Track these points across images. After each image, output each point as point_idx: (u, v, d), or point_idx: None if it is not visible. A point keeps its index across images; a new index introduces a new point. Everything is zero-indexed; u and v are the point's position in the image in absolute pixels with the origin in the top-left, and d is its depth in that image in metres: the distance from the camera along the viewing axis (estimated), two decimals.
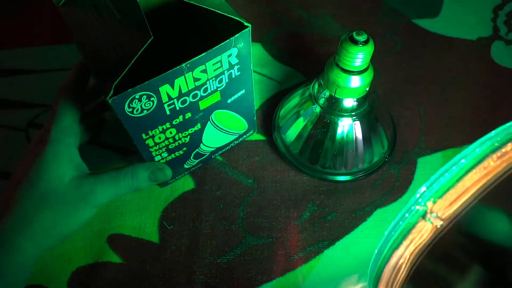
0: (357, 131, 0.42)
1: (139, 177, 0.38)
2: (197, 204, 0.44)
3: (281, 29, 0.59)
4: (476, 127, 0.49)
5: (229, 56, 0.35)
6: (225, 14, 0.32)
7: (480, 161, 0.22)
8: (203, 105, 0.38)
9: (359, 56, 0.36)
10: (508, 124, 0.23)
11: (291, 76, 0.54)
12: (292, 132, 0.45)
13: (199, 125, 0.40)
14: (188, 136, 0.40)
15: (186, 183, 0.46)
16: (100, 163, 0.47)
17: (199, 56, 0.33)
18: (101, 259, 0.42)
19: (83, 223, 0.37)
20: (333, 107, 0.41)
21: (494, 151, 0.23)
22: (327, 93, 0.40)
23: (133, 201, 0.45)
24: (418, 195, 0.23)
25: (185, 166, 0.44)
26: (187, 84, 0.34)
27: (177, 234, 0.43)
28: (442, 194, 0.23)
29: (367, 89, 0.40)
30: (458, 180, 0.22)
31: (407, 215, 0.23)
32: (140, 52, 0.29)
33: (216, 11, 0.32)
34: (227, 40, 0.33)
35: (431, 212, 0.23)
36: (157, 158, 0.40)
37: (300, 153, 0.45)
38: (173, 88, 0.33)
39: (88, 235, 0.43)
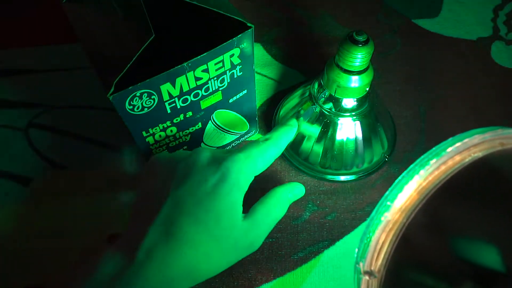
0: (357, 131, 0.42)
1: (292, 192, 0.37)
2: None
3: (281, 29, 0.59)
4: (476, 127, 0.49)
5: (232, 56, 0.35)
6: (228, 14, 0.32)
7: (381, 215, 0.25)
8: (204, 104, 0.38)
9: (359, 56, 0.36)
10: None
11: (291, 76, 0.54)
12: None
13: (200, 124, 0.40)
14: (189, 135, 0.40)
15: None
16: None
17: (201, 55, 0.33)
18: None
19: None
20: (333, 107, 0.41)
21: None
22: (327, 93, 0.40)
23: None
24: (355, 255, 0.26)
25: None
26: (188, 83, 0.34)
27: None
28: (364, 255, 0.26)
29: (367, 89, 0.40)
30: (371, 238, 0.25)
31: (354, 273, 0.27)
32: (141, 50, 0.29)
33: (219, 11, 0.32)
34: (230, 40, 0.33)
35: (366, 272, 0.26)
36: None
37: (300, 153, 0.45)
38: (174, 86, 0.33)
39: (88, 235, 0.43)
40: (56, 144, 0.48)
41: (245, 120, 0.44)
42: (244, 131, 0.46)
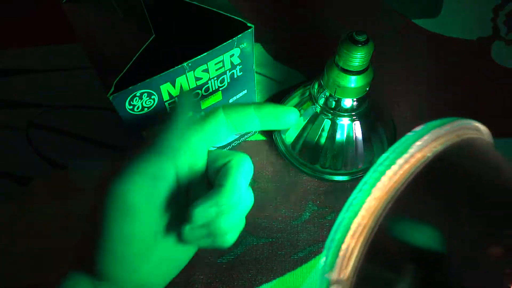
0: (357, 131, 0.42)
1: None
2: None
3: (281, 29, 0.59)
4: None
5: (232, 56, 0.35)
6: (228, 14, 0.32)
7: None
8: (204, 104, 0.38)
9: (359, 56, 0.36)
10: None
11: (291, 76, 0.54)
12: (292, 132, 0.45)
13: None
14: None
15: None
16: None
17: (201, 55, 0.33)
18: None
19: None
20: (333, 107, 0.41)
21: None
22: (327, 93, 0.40)
23: None
24: (322, 265, 0.25)
25: None
26: (188, 83, 0.34)
27: None
28: (333, 264, 0.24)
29: (367, 89, 0.40)
30: (340, 246, 0.24)
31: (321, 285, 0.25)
32: (141, 50, 0.29)
33: (219, 11, 0.32)
34: (230, 40, 0.33)
35: (335, 282, 0.25)
36: None
37: (300, 153, 0.45)
38: (174, 86, 0.34)
39: None
40: (56, 144, 0.48)
41: None
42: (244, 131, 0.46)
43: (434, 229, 0.24)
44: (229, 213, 0.26)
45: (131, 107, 0.33)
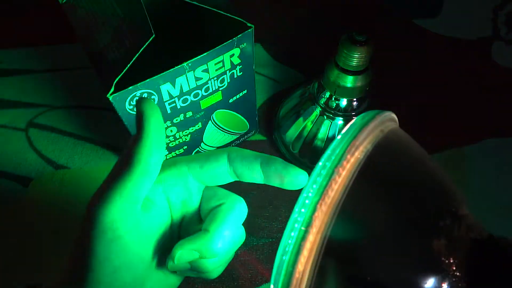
0: None
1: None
2: None
3: (281, 29, 0.59)
4: (476, 127, 0.49)
5: (232, 56, 0.35)
6: (228, 14, 0.32)
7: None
8: (204, 104, 0.38)
9: (358, 56, 0.36)
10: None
11: (291, 76, 0.54)
12: (292, 132, 0.45)
13: (200, 124, 0.40)
14: (189, 135, 0.40)
15: None
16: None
17: (201, 55, 0.33)
18: None
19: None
20: (333, 107, 0.41)
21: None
22: (327, 93, 0.40)
23: None
24: None
25: None
26: (188, 83, 0.34)
27: None
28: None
29: (367, 89, 0.40)
30: (292, 271, 0.23)
31: None
32: (141, 50, 0.29)
33: (219, 11, 0.32)
34: (230, 40, 0.33)
35: None
36: None
37: (300, 153, 0.45)
38: (174, 86, 0.33)
39: None
40: (56, 144, 0.49)
41: (245, 120, 0.44)
42: (244, 131, 0.46)
43: (370, 228, 0.24)
44: (212, 257, 0.26)
45: (131, 107, 0.33)
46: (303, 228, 0.23)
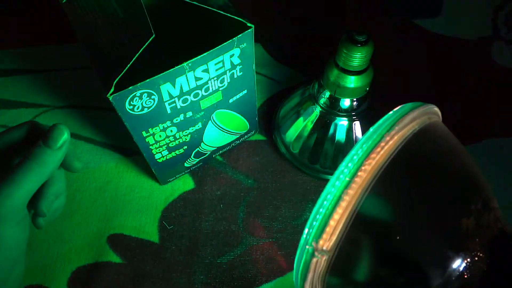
0: (357, 131, 0.42)
1: (40, 156, 0.30)
2: (197, 204, 0.44)
3: (281, 29, 0.59)
4: (476, 127, 0.49)
5: (232, 56, 0.35)
6: (228, 14, 0.32)
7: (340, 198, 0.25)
8: (204, 104, 0.38)
9: (359, 56, 0.36)
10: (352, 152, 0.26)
11: (291, 76, 0.54)
12: (292, 132, 0.45)
13: (200, 124, 0.40)
14: (189, 135, 0.40)
15: (186, 183, 0.46)
16: (101, 162, 0.47)
17: (201, 55, 0.33)
18: (101, 259, 0.42)
19: (16, 240, 0.30)
20: (333, 107, 0.41)
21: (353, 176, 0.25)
22: (327, 93, 0.40)
23: (133, 201, 0.45)
24: (305, 236, 0.26)
25: (186, 164, 0.44)
26: (188, 83, 0.34)
27: (177, 234, 0.43)
28: (320, 234, 0.25)
29: (367, 89, 0.40)
30: (329, 217, 0.25)
31: (302, 254, 0.27)
32: (141, 50, 0.29)
33: (219, 11, 0.32)
34: (230, 41, 0.33)
35: (317, 250, 0.26)
36: (158, 156, 0.40)
37: (300, 153, 0.45)
38: (174, 86, 0.33)
39: (88, 235, 0.43)
40: None
41: (245, 120, 0.44)
42: (244, 131, 0.46)
43: (404, 202, 0.26)
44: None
45: (131, 107, 0.33)
46: (347, 179, 0.25)
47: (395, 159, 0.25)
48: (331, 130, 0.42)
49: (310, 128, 0.43)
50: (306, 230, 0.26)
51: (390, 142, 0.26)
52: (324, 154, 0.43)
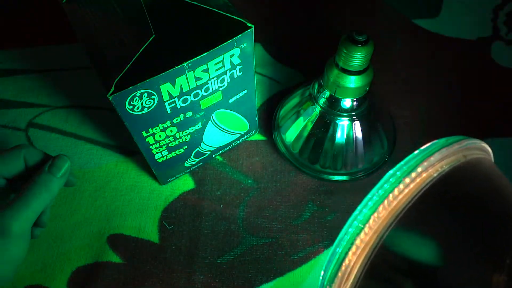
0: (357, 131, 0.42)
1: (46, 182, 0.34)
2: (197, 204, 0.44)
3: (281, 29, 0.59)
4: (476, 127, 0.49)
5: (232, 56, 0.35)
6: (228, 14, 0.32)
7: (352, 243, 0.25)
8: (204, 104, 0.38)
9: (359, 56, 0.36)
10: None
11: (291, 76, 0.54)
12: (292, 132, 0.45)
13: (200, 124, 0.40)
14: (189, 135, 0.40)
15: (186, 183, 0.46)
16: (101, 162, 0.47)
17: (201, 55, 0.33)
18: (101, 259, 0.42)
19: (19, 256, 0.33)
20: (333, 107, 0.41)
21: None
22: (327, 93, 0.40)
23: (133, 201, 0.45)
24: (321, 277, 0.26)
25: (186, 164, 0.44)
26: (188, 83, 0.34)
27: (177, 234, 0.43)
28: (333, 278, 0.26)
29: (367, 89, 0.40)
30: (341, 263, 0.25)
31: None
32: (141, 50, 0.29)
33: (219, 11, 0.32)
34: (230, 41, 0.33)
35: None
36: (158, 156, 0.40)
37: (300, 153, 0.45)
38: (174, 86, 0.33)
39: (88, 235, 0.43)
40: (56, 144, 0.49)
41: (245, 120, 0.44)
42: (244, 131, 0.46)
43: (434, 247, 0.24)
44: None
45: (131, 107, 0.33)
46: (360, 225, 0.25)
47: (415, 204, 0.24)
48: (331, 130, 0.42)
49: (310, 128, 0.43)
50: (322, 273, 0.26)
51: (411, 186, 0.25)
52: (324, 154, 0.43)
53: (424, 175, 0.25)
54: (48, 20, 0.59)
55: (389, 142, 0.45)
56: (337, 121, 0.41)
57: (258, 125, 0.47)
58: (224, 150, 0.47)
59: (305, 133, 0.43)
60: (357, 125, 0.42)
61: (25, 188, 0.33)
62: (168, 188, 0.46)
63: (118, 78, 0.30)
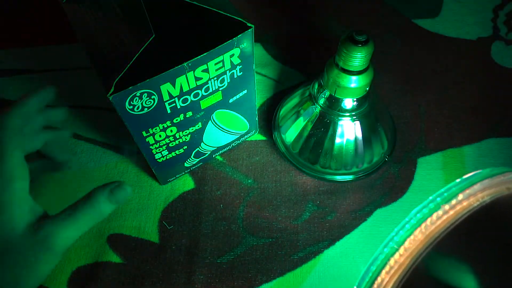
0: (357, 131, 0.42)
1: (100, 203, 0.33)
2: (197, 204, 0.44)
3: (281, 29, 0.59)
4: (476, 127, 0.49)
5: (232, 56, 0.35)
6: (228, 14, 0.32)
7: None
8: (204, 104, 0.38)
9: (359, 56, 0.36)
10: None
11: (291, 76, 0.54)
12: (292, 132, 0.45)
13: (200, 124, 0.40)
14: (189, 135, 0.40)
15: (186, 183, 0.46)
16: (100, 162, 0.47)
17: (201, 55, 0.33)
18: (101, 259, 0.42)
19: (49, 271, 0.33)
20: (333, 107, 0.41)
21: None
22: (327, 93, 0.40)
23: (133, 201, 0.45)
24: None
25: (186, 164, 0.44)
26: (188, 83, 0.34)
27: (177, 234, 0.43)
28: None
29: (367, 89, 0.40)
30: (374, 280, 0.26)
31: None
32: (141, 50, 0.29)
33: (219, 11, 0.32)
34: (230, 41, 0.33)
35: None
36: (157, 155, 0.40)
37: (300, 153, 0.45)
38: (174, 86, 0.33)
39: (88, 235, 0.43)
40: (56, 144, 0.48)
41: (245, 120, 0.44)
42: (244, 131, 0.46)
43: (469, 275, 0.25)
44: None
45: (131, 107, 0.33)
46: (395, 246, 0.25)
47: (453, 231, 0.25)
48: (331, 130, 0.42)
49: (310, 128, 0.43)
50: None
51: (450, 212, 0.25)
52: (324, 154, 0.43)
53: (465, 203, 0.25)
54: (48, 20, 0.59)
55: (389, 142, 0.45)
56: (337, 121, 0.41)
57: (258, 125, 0.47)
58: (224, 150, 0.47)
59: (305, 133, 0.43)
60: (357, 125, 0.42)
61: (80, 206, 0.33)
62: (168, 188, 0.46)
63: (118, 78, 0.30)
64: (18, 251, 0.31)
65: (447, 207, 0.25)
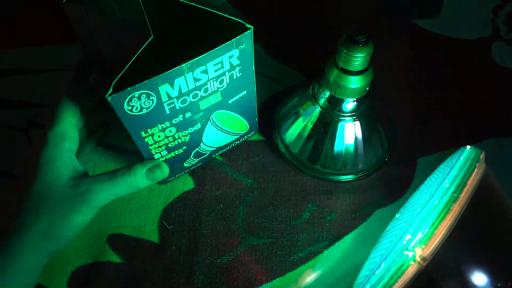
0: (357, 131, 0.42)
1: (137, 176, 0.37)
2: (197, 204, 0.44)
3: (281, 29, 0.59)
4: (476, 127, 0.49)
5: (231, 57, 0.35)
6: (227, 16, 0.32)
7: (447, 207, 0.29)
8: (203, 105, 0.38)
9: (359, 57, 0.36)
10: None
11: (291, 76, 0.54)
12: (292, 132, 0.45)
13: (199, 125, 0.40)
14: (188, 135, 0.40)
15: (186, 183, 0.46)
16: (100, 162, 0.47)
17: (200, 56, 0.33)
18: (101, 259, 0.42)
19: (82, 225, 0.36)
20: (333, 107, 0.41)
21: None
22: (327, 93, 0.40)
23: (133, 201, 0.45)
24: (404, 242, 0.29)
25: (185, 165, 0.44)
26: (187, 84, 0.34)
27: (177, 234, 0.43)
28: (427, 241, 0.28)
29: (367, 89, 0.40)
30: (436, 227, 0.28)
31: (396, 259, 0.29)
32: (140, 51, 0.29)
33: (219, 12, 0.32)
34: (229, 42, 0.33)
35: (419, 256, 0.28)
36: (157, 156, 0.40)
37: (300, 153, 0.45)
38: (173, 87, 0.33)
39: (88, 234, 0.43)
40: None
41: (245, 121, 0.44)
42: (244, 132, 0.46)
43: None
44: None
45: (129, 107, 0.33)
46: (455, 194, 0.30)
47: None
48: (331, 130, 0.42)
49: (310, 128, 0.43)
50: (407, 236, 0.29)
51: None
52: (324, 154, 0.43)
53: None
54: (48, 20, 0.59)
55: (389, 142, 0.45)
56: (337, 121, 0.41)
57: (258, 125, 0.47)
58: (223, 150, 0.47)
59: (305, 133, 0.43)
60: (357, 125, 0.42)
61: (120, 172, 0.37)
62: (168, 188, 0.46)
63: (116, 79, 0.30)
64: (57, 200, 0.34)
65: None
